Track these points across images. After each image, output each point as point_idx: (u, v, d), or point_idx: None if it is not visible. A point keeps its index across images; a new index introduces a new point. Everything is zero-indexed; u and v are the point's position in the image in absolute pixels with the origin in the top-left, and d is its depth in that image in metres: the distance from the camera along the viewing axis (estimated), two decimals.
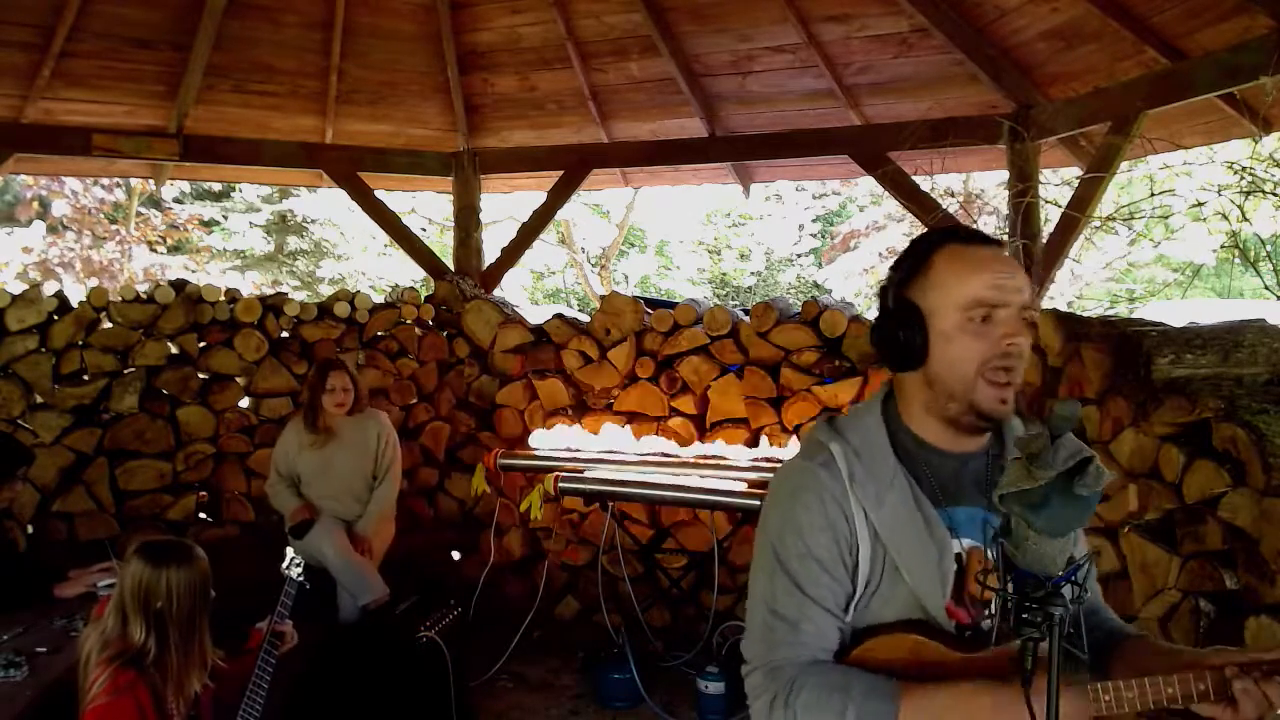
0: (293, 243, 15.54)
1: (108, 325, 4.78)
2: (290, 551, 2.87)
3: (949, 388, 1.33)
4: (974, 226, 4.69)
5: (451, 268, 5.87)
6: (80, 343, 4.69)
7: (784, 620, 1.34)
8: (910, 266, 1.38)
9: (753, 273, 19.55)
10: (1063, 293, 11.13)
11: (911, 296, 1.36)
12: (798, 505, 1.36)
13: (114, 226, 12.60)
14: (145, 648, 2.27)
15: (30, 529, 4.56)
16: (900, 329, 1.35)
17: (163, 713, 2.29)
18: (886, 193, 5.55)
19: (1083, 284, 12.03)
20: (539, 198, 6.08)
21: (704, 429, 4.72)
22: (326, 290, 14.36)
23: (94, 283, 11.27)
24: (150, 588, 2.30)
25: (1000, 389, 1.30)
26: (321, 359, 4.60)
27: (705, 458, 4.42)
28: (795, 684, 1.30)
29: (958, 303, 1.31)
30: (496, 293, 5.87)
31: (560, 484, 4.34)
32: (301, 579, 2.81)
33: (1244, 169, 4.23)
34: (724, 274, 19.71)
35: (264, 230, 15.37)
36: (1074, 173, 5.16)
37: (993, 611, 1.34)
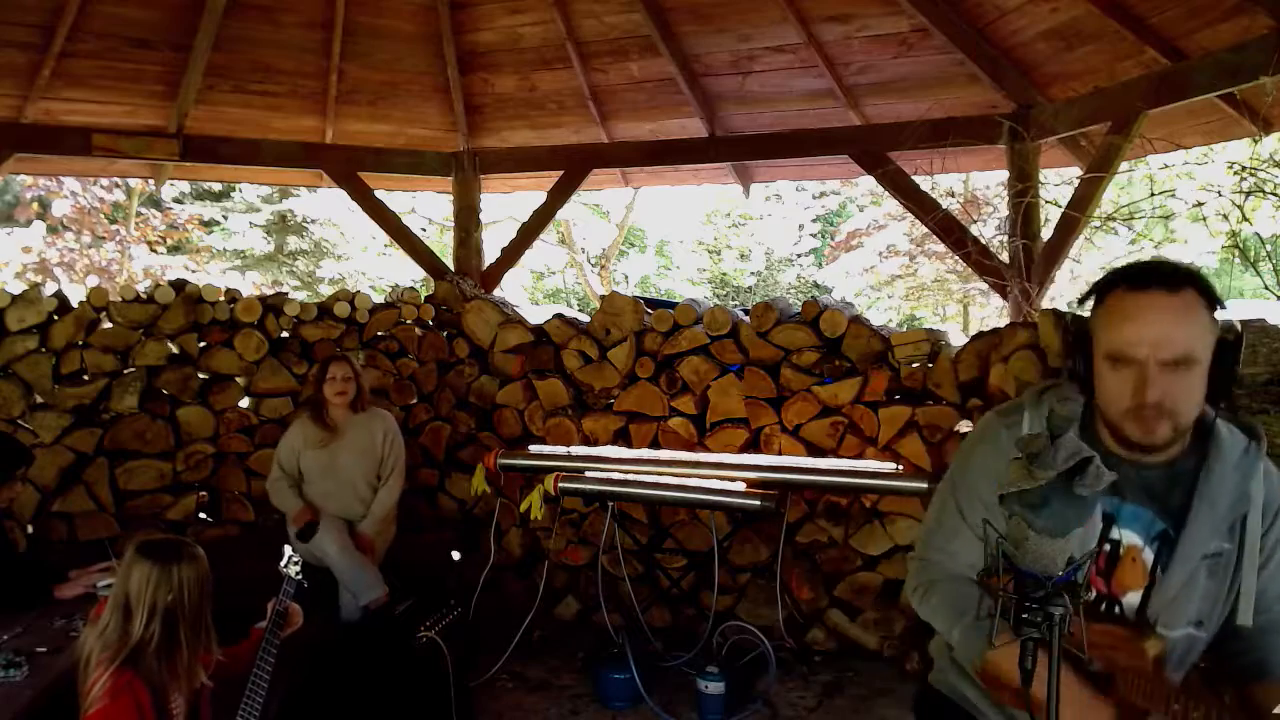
0: (293, 243, 15.55)
1: (108, 325, 4.78)
2: (288, 550, 2.87)
3: (1105, 414, 1.51)
4: (976, 224, 4.67)
5: (451, 268, 5.87)
6: (80, 343, 4.70)
7: (943, 530, 1.65)
8: (1094, 298, 1.52)
9: (753, 273, 19.57)
10: (1063, 293, 11.13)
11: (1089, 326, 1.51)
12: (976, 450, 1.65)
13: (114, 226, 12.60)
14: (149, 646, 2.27)
15: (30, 529, 4.57)
16: (1070, 354, 1.54)
17: (163, 711, 2.29)
18: (886, 192, 5.55)
19: (1082, 284, 12.04)
20: (539, 198, 6.09)
21: (704, 429, 4.72)
22: (326, 290, 14.37)
23: (94, 283, 11.27)
24: (158, 584, 2.29)
25: (1145, 425, 1.44)
26: (324, 357, 4.61)
27: (704, 463, 4.43)
28: (934, 587, 1.63)
29: (1104, 348, 1.47)
30: (496, 293, 5.87)
31: (560, 484, 4.34)
32: (300, 578, 2.81)
33: (1244, 169, 4.23)
34: (724, 274, 19.72)
35: (264, 230, 15.37)
36: (1074, 173, 5.16)
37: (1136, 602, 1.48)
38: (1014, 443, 1.42)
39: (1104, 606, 1.44)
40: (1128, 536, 1.52)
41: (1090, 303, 1.52)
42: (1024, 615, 1.42)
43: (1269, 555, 1.53)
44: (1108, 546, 1.51)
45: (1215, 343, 1.46)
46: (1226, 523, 1.50)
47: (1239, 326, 1.55)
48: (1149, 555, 1.52)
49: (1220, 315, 1.46)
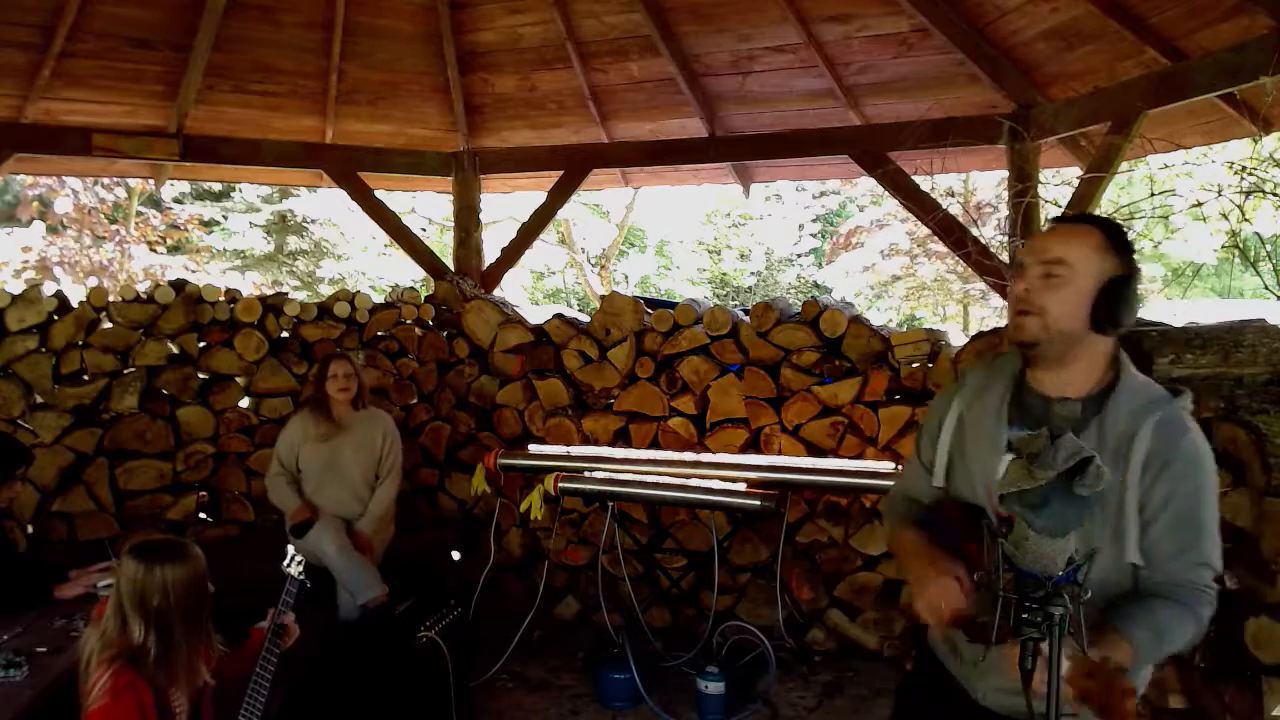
0: (293, 243, 15.54)
1: (108, 325, 4.78)
2: (291, 549, 2.87)
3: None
4: (976, 226, 4.69)
5: (451, 268, 5.87)
6: (80, 343, 4.70)
7: (909, 463, 1.98)
8: None
9: (753, 273, 19.55)
10: None
11: None
12: (932, 403, 1.95)
13: (114, 226, 12.60)
14: (146, 647, 2.27)
15: (30, 529, 4.57)
16: None
17: (165, 711, 2.29)
18: (886, 192, 5.55)
19: None
20: (539, 198, 6.08)
21: (704, 429, 4.72)
22: (326, 290, 14.36)
23: (94, 283, 11.27)
24: (145, 586, 2.29)
25: (1015, 321, 1.68)
26: (325, 354, 4.62)
27: (704, 463, 4.43)
28: (891, 500, 2.01)
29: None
30: (496, 293, 5.87)
31: (560, 484, 4.34)
32: (302, 577, 2.81)
33: (1244, 169, 4.23)
34: (724, 274, 19.71)
35: (264, 230, 15.37)
36: (1074, 173, 5.16)
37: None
38: (959, 390, 1.84)
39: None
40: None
41: None
42: (1024, 615, 1.42)
43: (1157, 509, 1.60)
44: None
45: (1111, 273, 1.63)
46: (1112, 455, 1.58)
47: (1134, 269, 1.65)
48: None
49: (1123, 259, 1.65)
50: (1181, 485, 1.59)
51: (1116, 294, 1.62)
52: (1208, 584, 1.63)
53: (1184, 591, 1.60)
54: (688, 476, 4.33)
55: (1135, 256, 1.67)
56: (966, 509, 1.70)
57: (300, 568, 2.79)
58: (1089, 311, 1.62)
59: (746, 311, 4.85)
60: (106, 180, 11.67)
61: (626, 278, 19.32)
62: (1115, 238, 1.66)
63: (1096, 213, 4.65)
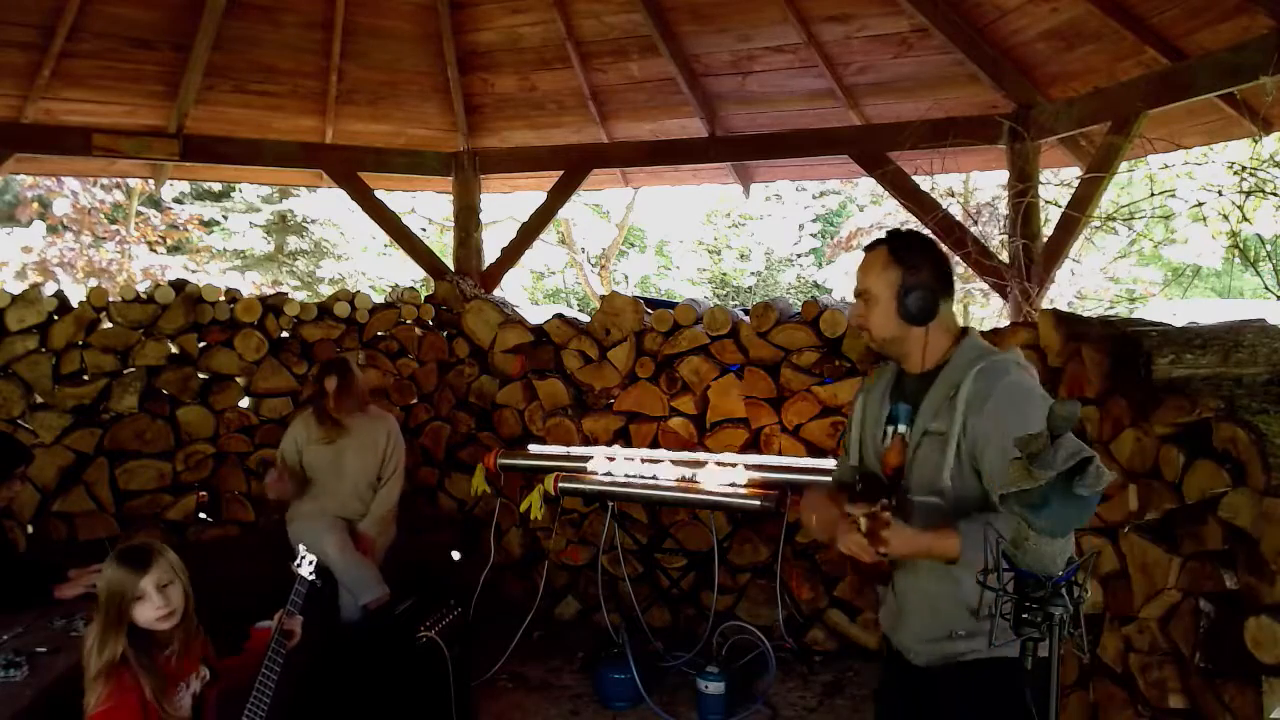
0: (293, 243, 15.53)
1: (108, 325, 4.78)
2: (302, 549, 2.86)
3: None
4: (976, 225, 4.69)
5: (451, 268, 5.87)
6: (80, 343, 4.69)
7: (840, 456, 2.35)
8: None
9: (753, 273, 19.54)
10: (1063, 293, 11.12)
11: None
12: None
13: (114, 226, 12.60)
14: (136, 647, 2.27)
15: (30, 529, 4.56)
16: None
17: (163, 712, 2.29)
18: (886, 192, 5.55)
19: (1082, 283, 12.02)
20: (539, 198, 6.08)
21: (704, 429, 4.72)
22: (326, 290, 14.36)
23: (94, 283, 11.26)
24: (124, 591, 2.29)
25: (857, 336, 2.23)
26: (323, 360, 4.60)
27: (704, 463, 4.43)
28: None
29: None
30: (496, 293, 5.87)
31: (560, 484, 4.33)
32: (313, 577, 2.79)
33: (1244, 169, 4.23)
34: (724, 274, 19.70)
35: (264, 230, 15.36)
36: (1074, 173, 5.16)
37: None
38: (865, 388, 2.22)
39: (887, 479, 2.00)
40: (900, 427, 2.02)
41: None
42: (1024, 615, 1.42)
43: (985, 440, 1.86)
44: (890, 435, 2.05)
45: (899, 281, 1.99)
46: (947, 402, 1.93)
47: (915, 271, 2.00)
48: (909, 437, 2.01)
49: (905, 266, 1.99)
50: (1003, 417, 1.83)
51: (908, 295, 1.98)
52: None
53: None
54: (687, 476, 4.32)
55: (920, 257, 2.01)
56: (870, 476, 2.06)
57: (311, 567, 2.77)
58: (896, 315, 2.00)
59: (746, 311, 4.85)
60: (106, 180, 11.66)
61: (626, 278, 19.31)
62: (896, 251, 2.01)
63: (1095, 212, 4.67)
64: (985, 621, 1.59)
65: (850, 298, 2.39)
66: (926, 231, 4.73)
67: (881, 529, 1.81)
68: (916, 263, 2.00)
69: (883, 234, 2.08)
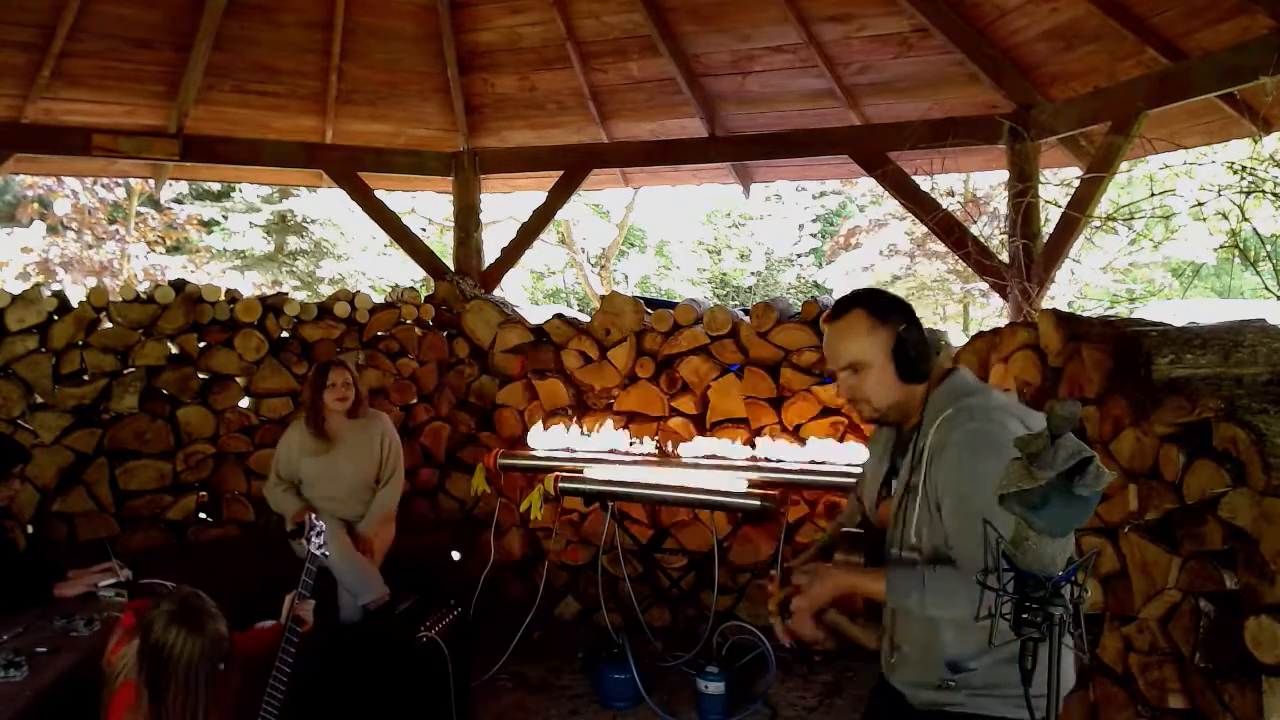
0: (293, 243, 15.53)
1: (108, 325, 4.78)
2: (311, 517, 2.84)
3: None
4: (976, 225, 4.69)
5: (451, 268, 5.87)
6: (80, 343, 4.69)
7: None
8: None
9: (753, 273, 19.54)
10: (1063, 293, 11.13)
11: None
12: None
13: (114, 226, 12.59)
14: (166, 707, 2.27)
15: (30, 529, 4.56)
16: None
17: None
18: (886, 192, 5.55)
19: (1082, 283, 12.04)
20: (539, 198, 6.08)
21: (704, 429, 4.72)
22: (326, 290, 14.35)
23: (94, 283, 11.26)
24: (173, 651, 2.28)
25: (854, 409, 2.01)
26: (321, 360, 4.60)
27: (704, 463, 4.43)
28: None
29: None
30: (496, 293, 5.87)
31: (560, 484, 4.34)
32: (323, 552, 2.78)
33: (1244, 169, 4.23)
34: (724, 274, 19.70)
35: (264, 230, 15.35)
36: (1074, 173, 5.16)
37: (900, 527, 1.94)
38: (874, 440, 2.16)
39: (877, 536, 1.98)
40: (895, 482, 1.96)
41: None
42: (1024, 615, 1.42)
43: (942, 492, 1.81)
44: (879, 491, 2.04)
45: (892, 340, 1.89)
46: (917, 453, 1.87)
47: (904, 323, 1.92)
48: (897, 493, 1.95)
49: (890, 321, 1.90)
50: (955, 467, 1.79)
51: (904, 352, 1.89)
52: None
53: (968, 566, 1.74)
54: (687, 476, 4.33)
55: (897, 310, 1.93)
56: (850, 533, 2.04)
57: (321, 540, 2.76)
58: (896, 378, 1.90)
59: (746, 311, 4.85)
60: (106, 180, 11.66)
61: (626, 278, 19.31)
62: (875, 310, 1.91)
63: (1095, 212, 4.67)
64: (969, 675, 1.60)
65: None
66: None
67: (791, 598, 1.86)
68: (898, 317, 1.92)
69: (832, 301, 1.97)
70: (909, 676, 1.99)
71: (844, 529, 2.07)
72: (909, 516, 1.87)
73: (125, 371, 4.77)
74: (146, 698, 2.27)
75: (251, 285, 14.17)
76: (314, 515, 2.86)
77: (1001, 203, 7.11)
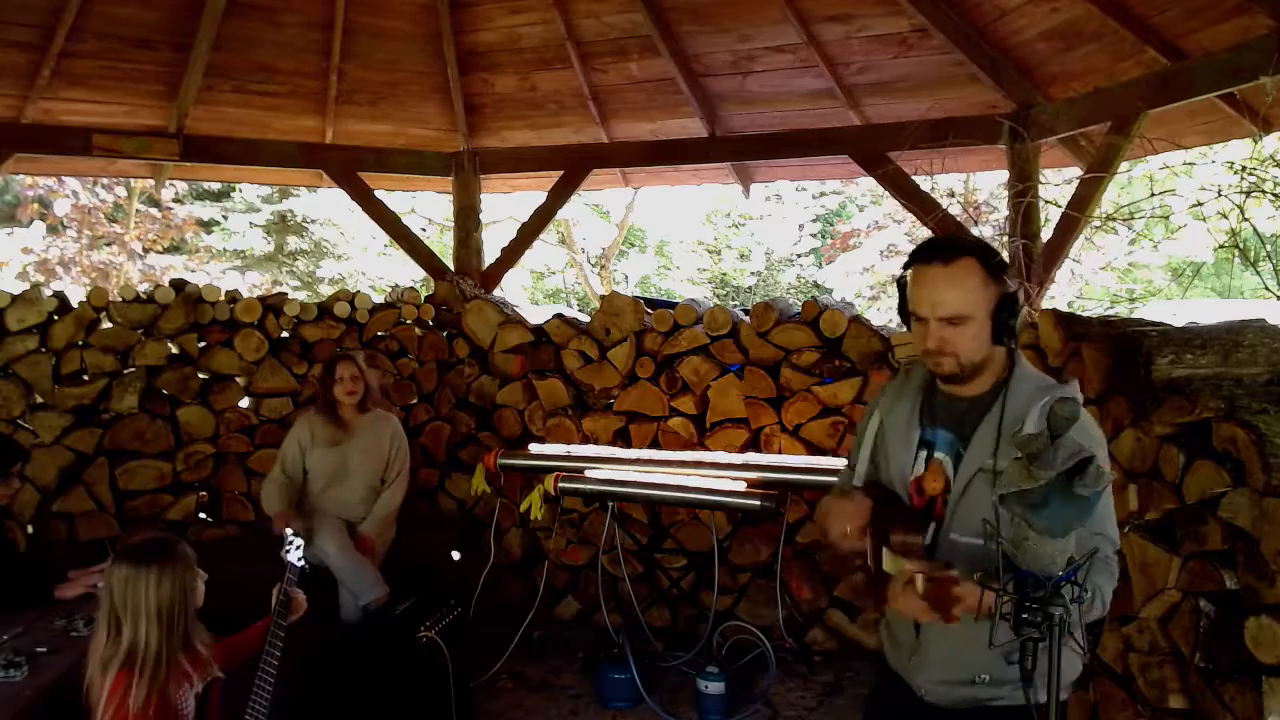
0: (293, 243, 15.54)
1: (108, 325, 4.78)
2: (289, 532, 2.86)
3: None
4: (975, 225, 4.69)
5: (451, 268, 5.87)
6: (80, 343, 4.70)
7: (845, 467, 2.19)
8: (905, 273, 1.91)
9: (753, 273, 19.54)
10: (1063, 293, 11.13)
11: (907, 293, 1.89)
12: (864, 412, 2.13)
13: (114, 226, 12.59)
14: (141, 647, 2.27)
15: (30, 529, 4.57)
16: (902, 315, 1.92)
17: (169, 707, 2.29)
18: (886, 192, 5.55)
19: (1082, 283, 12.03)
20: (539, 198, 6.08)
21: (704, 429, 4.72)
22: (326, 290, 14.35)
23: (94, 282, 11.26)
24: (132, 588, 2.29)
25: (933, 362, 1.85)
26: (330, 354, 4.60)
27: (704, 463, 4.43)
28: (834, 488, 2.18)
29: (909, 309, 1.87)
30: (496, 293, 5.87)
31: (560, 484, 4.33)
32: (302, 563, 2.80)
33: (1244, 169, 4.22)
34: (724, 274, 19.70)
35: (264, 230, 15.36)
36: (1074, 173, 5.16)
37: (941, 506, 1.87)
38: (880, 400, 2.06)
39: (918, 509, 1.87)
40: (939, 454, 1.89)
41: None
42: (1024, 615, 1.42)
43: None
44: (923, 461, 1.92)
45: (997, 298, 1.80)
46: (1007, 435, 1.74)
47: (1012, 286, 1.84)
48: (950, 467, 1.86)
49: (1000, 279, 1.82)
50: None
51: (1006, 312, 1.81)
52: (1105, 555, 1.80)
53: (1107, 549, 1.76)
54: (688, 476, 4.33)
55: (1005, 266, 1.86)
56: (885, 493, 1.95)
57: (299, 553, 2.79)
58: (989, 337, 1.82)
59: (746, 311, 4.85)
60: (106, 180, 11.66)
61: (626, 278, 19.31)
62: (987, 263, 1.82)
63: (1095, 212, 4.67)
64: (1012, 669, 1.50)
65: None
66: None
67: (947, 595, 1.59)
68: (1004, 276, 1.83)
69: (937, 245, 1.84)
70: (937, 675, 1.89)
71: (878, 490, 1.95)
72: (981, 499, 1.75)
73: (125, 371, 4.77)
74: (145, 641, 2.28)
75: (251, 285, 14.18)
76: (290, 530, 2.88)
77: (1002, 206, 7.11)
